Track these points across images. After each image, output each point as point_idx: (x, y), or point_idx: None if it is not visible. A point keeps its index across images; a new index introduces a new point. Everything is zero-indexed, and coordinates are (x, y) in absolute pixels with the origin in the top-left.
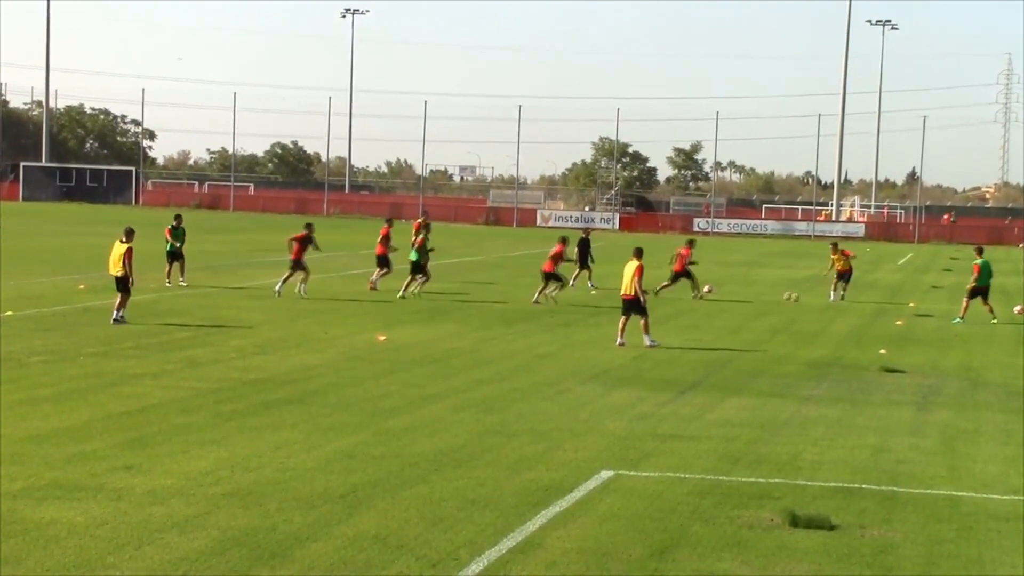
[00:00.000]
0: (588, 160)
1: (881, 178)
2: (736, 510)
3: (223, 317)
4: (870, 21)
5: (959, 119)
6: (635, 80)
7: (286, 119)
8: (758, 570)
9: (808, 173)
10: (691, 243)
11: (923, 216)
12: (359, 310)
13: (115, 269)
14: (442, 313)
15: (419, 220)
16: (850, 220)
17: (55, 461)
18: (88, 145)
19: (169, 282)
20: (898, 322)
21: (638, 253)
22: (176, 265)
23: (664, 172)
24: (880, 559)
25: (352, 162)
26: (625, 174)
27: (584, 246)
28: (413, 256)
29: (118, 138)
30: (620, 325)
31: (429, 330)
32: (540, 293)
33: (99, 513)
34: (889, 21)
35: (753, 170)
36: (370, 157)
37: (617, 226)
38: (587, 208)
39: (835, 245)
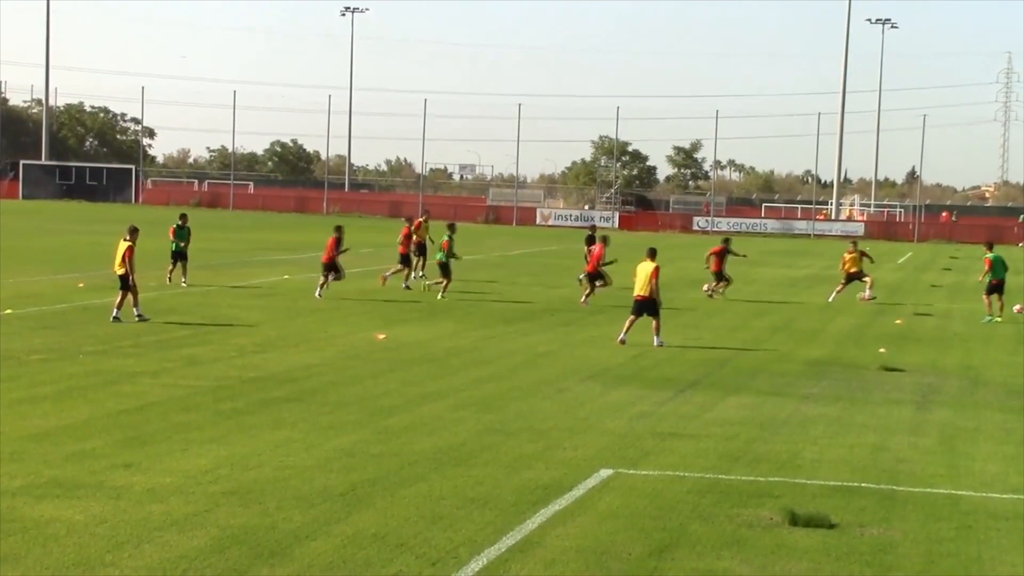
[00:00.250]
0: (588, 159)
1: (881, 177)
2: (735, 509)
3: (223, 315)
4: (870, 20)
5: (959, 118)
6: (635, 79)
7: (286, 117)
8: (757, 569)
9: (808, 172)
10: (727, 241)
11: (923, 215)
12: (358, 309)
13: (117, 267)
14: (442, 312)
15: (420, 219)
16: (849, 219)
17: (54, 459)
18: (88, 143)
19: (170, 280)
20: (897, 321)
21: (652, 254)
22: (179, 265)
23: (664, 171)
24: (879, 558)
25: (352, 160)
26: (625, 173)
27: (590, 244)
28: (440, 257)
29: (118, 136)
30: (627, 324)
31: (428, 329)
32: (588, 295)
33: (98, 511)
34: (889, 20)
35: (753, 169)
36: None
37: (617, 225)
38: (587, 207)
39: (855, 244)
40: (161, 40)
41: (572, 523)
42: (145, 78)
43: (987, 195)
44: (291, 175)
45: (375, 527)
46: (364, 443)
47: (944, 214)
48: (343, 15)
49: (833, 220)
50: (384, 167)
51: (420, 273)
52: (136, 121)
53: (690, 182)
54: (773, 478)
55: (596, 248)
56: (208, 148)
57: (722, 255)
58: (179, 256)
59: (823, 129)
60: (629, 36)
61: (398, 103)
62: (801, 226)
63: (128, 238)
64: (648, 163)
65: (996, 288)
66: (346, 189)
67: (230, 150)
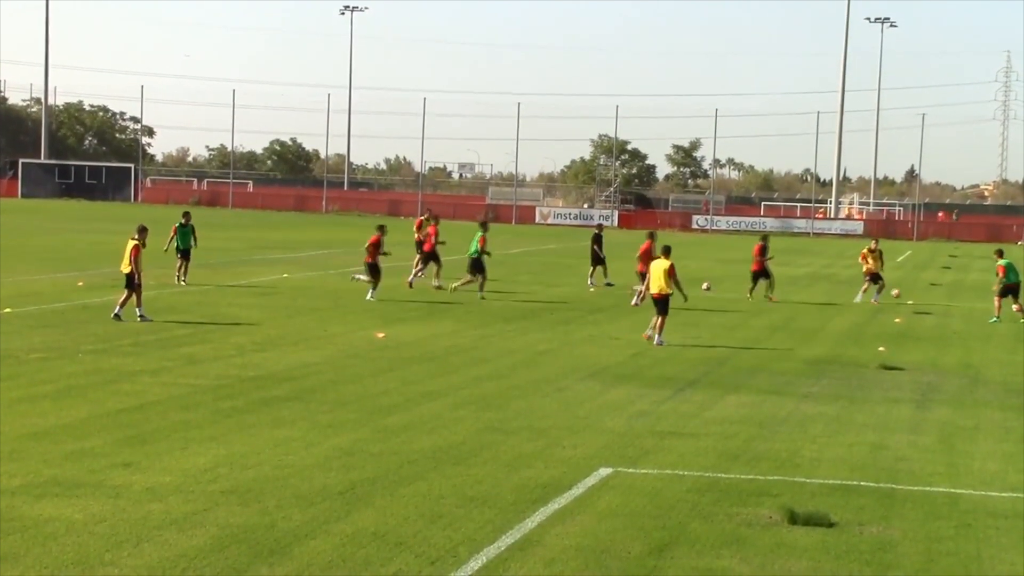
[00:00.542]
0: (587, 157)
1: (880, 175)
2: (735, 507)
3: (222, 314)
4: (869, 19)
5: (958, 117)
6: (634, 77)
7: (285, 116)
8: (756, 567)
9: (807, 170)
10: (764, 237)
11: (922, 213)
12: (358, 307)
13: (124, 266)
14: (441, 310)
15: (421, 217)
16: (849, 217)
17: (54, 458)
18: (87, 142)
19: (178, 280)
20: (897, 320)
21: (667, 251)
22: (183, 265)
23: (663, 169)
24: (879, 556)
25: (351, 159)
26: (624, 171)
27: (597, 242)
28: (474, 254)
29: (117, 135)
30: (652, 322)
31: (428, 327)
32: (640, 297)
33: (98, 510)
34: (888, 19)
35: (752, 167)
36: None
37: (616, 223)
38: (586, 205)
39: (876, 242)
40: (160, 39)
41: (571, 522)
42: (144, 77)
43: (986, 194)
44: (290, 174)
45: (374, 526)
46: (363, 442)
47: (941, 214)
48: (342, 14)
49: (832, 219)
50: (383, 166)
51: (421, 272)
52: (135, 120)
53: (689, 181)
54: (772, 477)
55: (644, 245)
56: (207, 147)
57: (762, 253)
58: (184, 255)
59: (822, 128)
60: (628, 35)
61: (397, 102)
62: (800, 225)
63: (136, 237)
64: (647, 162)
65: (1011, 291)
66: (345, 188)
67: (229, 149)
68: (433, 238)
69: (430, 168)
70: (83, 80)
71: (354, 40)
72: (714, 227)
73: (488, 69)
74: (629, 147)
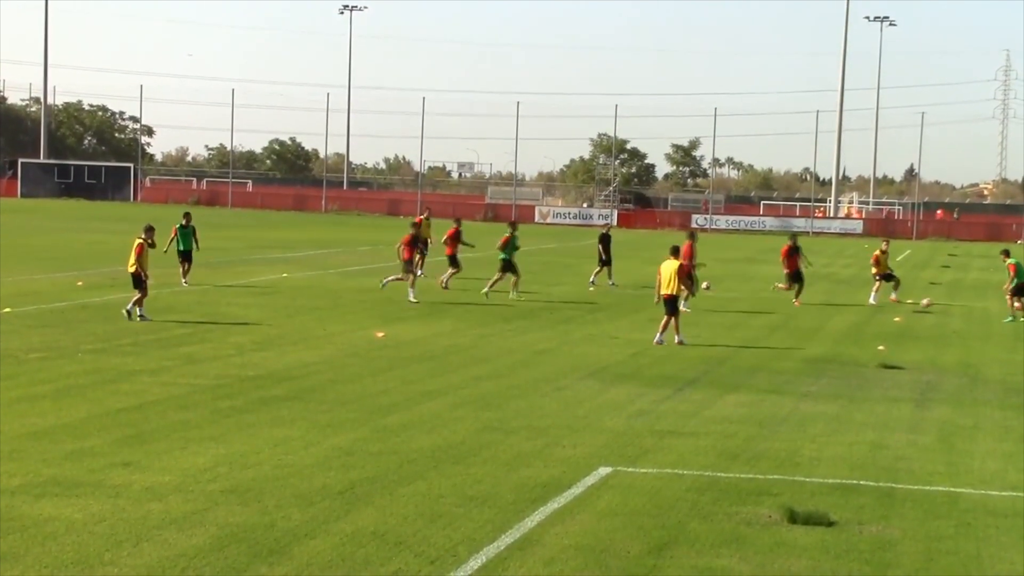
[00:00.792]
0: (586, 156)
1: (879, 174)
2: (734, 506)
3: (221, 314)
4: (868, 17)
5: (957, 115)
6: (633, 76)
7: (284, 115)
8: (756, 566)
9: (806, 169)
10: (793, 237)
11: (921, 212)
12: (358, 307)
13: (129, 265)
14: (440, 310)
15: (421, 216)
16: (848, 217)
17: (53, 458)
18: (86, 142)
19: (184, 281)
20: (896, 319)
21: (676, 252)
22: (186, 265)
23: (662, 168)
24: (878, 555)
25: (350, 159)
26: (623, 170)
27: (605, 242)
28: (502, 255)
29: (116, 134)
30: (662, 325)
31: (427, 327)
32: (687, 299)
33: (97, 510)
34: (887, 17)
35: (751, 166)
36: (368, 154)
37: (615, 223)
38: (585, 204)
39: (887, 242)
40: (159, 38)
41: (571, 521)
42: (143, 76)
43: (985, 193)
44: (289, 173)
45: (374, 525)
46: (363, 441)
47: (939, 212)
48: (342, 13)
49: (832, 218)
50: (383, 165)
51: (420, 271)
52: (135, 119)
53: (688, 180)
54: (772, 476)
55: (685, 246)
56: (207, 146)
57: (793, 252)
58: (185, 255)
59: (822, 127)
60: (628, 34)
61: (397, 101)
62: (800, 224)
63: (143, 236)
64: (646, 161)
65: (1022, 290)
66: (344, 187)
67: (228, 148)
68: (452, 241)
69: (429, 167)
70: (82, 79)
71: (353, 39)
72: (713, 226)
73: (488, 68)
74: (628, 146)
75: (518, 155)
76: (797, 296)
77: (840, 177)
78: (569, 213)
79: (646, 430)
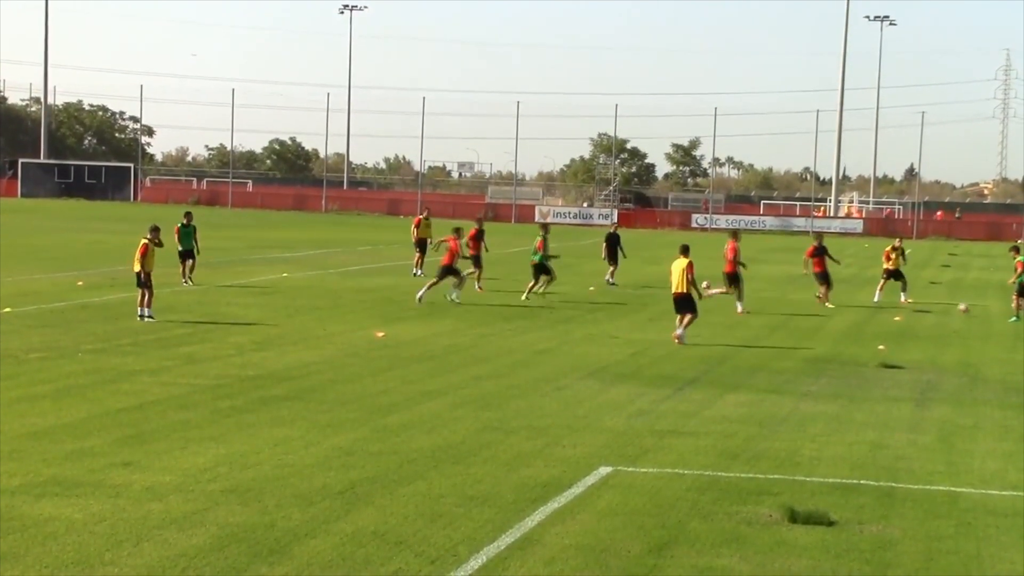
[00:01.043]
0: (586, 156)
1: (879, 174)
2: (734, 506)
3: (221, 314)
4: (868, 17)
5: (957, 115)
6: (633, 76)
7: (284, 115)
8: (756, 566)
9: (806, 169)
10: (819, 236)
11: (921, 212)
12: (357, 307)
13: (134, 265)
14: (440, 309)
15: (421, 216)
16: (848, 216)
17: (53, 457)
18: (87, 142)
19: (184, 281)
20: (896, 318)
21: (685, 250)
22: (187, 264)
23: (662, 168)
24: (878, 555)
25: (350, 158)
26: (623, 170)
27: (614, 241)
28: (536, 258)
29: (116, 134)
30: (678, 321)
31: (427, 326)
32: (740, 300)
33: (97, 510)
34: (887, 17)
35: (751, 166)
36: (368, 153)
37: (615, 222)
38: (585, 204)
39: (900, 240)
40: (159, 38)
41: (571, 521)
42: (144, 76)
43: (985, 192)
44: (290, 173)
45: (374, 525)
46: (363, 441)
47: (939, 212)
48: (342, 13)
49: (832, 217)
50: (383, 165)
51: (419, 271)
52: (135, 119)
53: (688, 179)
54: (772, 475)
55: (729, 245)
56: (207, 146)
57: (819, 253)
58: (187, 255)
59: (822, 126)
60: (628, 33)
61: (396, 101)
62: (800, 223)
63: (148, 236)
64: (647, 160)
65: None
66: (345, 187)
67: (229, 148)
68: (475, 242)
69: (429, 167)
70: (82, 79)
71: (353, 39)
72: (713, 226)
73: (488, 68)
74: (628, 146)
75: (518, 155)
76: (826, 297)
77: (840, 177)
78: (569, 213)
79: (646, 430)
